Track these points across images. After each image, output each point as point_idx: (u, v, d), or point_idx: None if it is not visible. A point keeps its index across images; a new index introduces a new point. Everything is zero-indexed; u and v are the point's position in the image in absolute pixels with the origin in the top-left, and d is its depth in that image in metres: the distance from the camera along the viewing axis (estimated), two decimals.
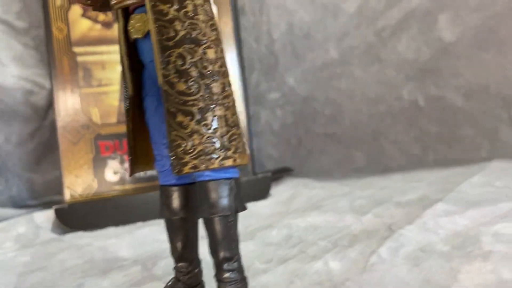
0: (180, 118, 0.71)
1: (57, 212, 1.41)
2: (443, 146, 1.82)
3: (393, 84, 1.89)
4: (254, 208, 1.43)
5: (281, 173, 1.89)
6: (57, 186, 1.71)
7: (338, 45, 1.92)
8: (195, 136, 0.71)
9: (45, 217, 1.47)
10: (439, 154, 1.81)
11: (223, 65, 0.75)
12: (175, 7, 0.73)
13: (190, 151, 0.71)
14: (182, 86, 0.71)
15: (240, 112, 1.73)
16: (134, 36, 0.77)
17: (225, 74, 0.75)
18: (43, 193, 1.84)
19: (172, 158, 0.72)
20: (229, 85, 0.76)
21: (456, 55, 1.82)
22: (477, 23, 1.78)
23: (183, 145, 0.71)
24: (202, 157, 0.71)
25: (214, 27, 0.76)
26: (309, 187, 1.61)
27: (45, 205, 1.71)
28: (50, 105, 1.78)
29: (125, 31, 0.79)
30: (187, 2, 0.74)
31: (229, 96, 0.74)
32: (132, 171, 0.81)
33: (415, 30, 1.85)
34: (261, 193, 1.59)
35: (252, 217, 1.31)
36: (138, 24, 0.76)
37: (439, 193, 1.22)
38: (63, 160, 1.57)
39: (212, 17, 0.76)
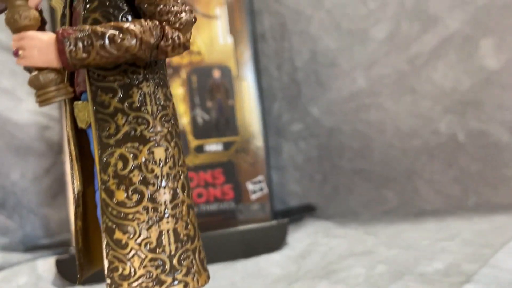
0: (118, 235, 0.60)
1: (58, 264, 1.35)
2: (486, 188, 1.60)
3: (428, 117, 1.70)
4: (265, 263, 1.30)
5: (302, 213, 1.75)
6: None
7: (366, 74, 1.76)
8: (135, 258, 0.60)
9: (49, 265, 1.41)
10: (481, 197, 1.60)
11: (176, 163, 0.64)
12: (119, 96, 0.63)
13: (129, 276, 0.60)
14: (121, 196, 0.60)
15: (259, 144, 1.62)
16: (80, 125, 0.68)
17: (177, 176, 0.64)
18: (58, 231, 1.80)
19: (108, 284, 0.61)
20: (183, 189, 0.64)
21: (501, 85, 1.60)
22: None
23: (121, 269, 0.60)
24: (143, 284, 0.59)
25: (167, 118, 0.65)
26: (330, 235, 1.46)
27: (58, 246, 1.67)
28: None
29: (74, 117, 0.69)
30: (133, 90, 0.63)
31: (182, 203, 0.62)
32: (82, 276, 0.71)
33: (453, 58, 1.66)
34: (277, 243, 1.46)
35: (259, 277, 1.18)
36: (82, 113, 0.67)
37: (472, 262, 1.04)
38: None
39: (166, 105, 0.64)
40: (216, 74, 1.65)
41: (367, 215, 1.71)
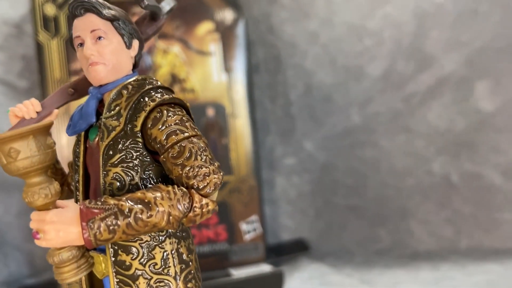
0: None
1: None
2: (478, 231, 1.62)
3: (422, 156, 1.70)
4: None
5: (296, 253, 1.74)
6: None
7: (361, 111, 1.74)
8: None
9: None
10: (473, 240, 1.62)
11: None
12: (140, 257, 0.59)
13: None
14: None
15: (253, 184, 1.59)
16: (94, 272, 0.64)
17: None
18: (43, 268, 1.75)
19: None
20: None
21: (496, 128, 1.61)
22: None
23: None
24: None
25: (191, 275, 0.62)
26: (326, 284, 1.45)
27: (44, 286, 1.61)
28: None
29: None
30: (155, 251, 0.59)
31: None
32: None
33: (448, 98, 1.66)
34: None
35: None
36: (98, 265, 0.63)
37: None
38: None
39: (189, 260, 0.61)
40: (210, 112, 1.61)
41: (362, 257, 1.70)
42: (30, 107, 0.65)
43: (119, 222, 0.54)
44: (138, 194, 0.57)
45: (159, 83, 0.65)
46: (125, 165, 0.60)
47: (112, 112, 0.61)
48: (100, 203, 0.55)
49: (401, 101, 1.70)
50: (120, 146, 0.60)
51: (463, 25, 1.61)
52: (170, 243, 0.60)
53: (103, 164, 0.60)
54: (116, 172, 0.60)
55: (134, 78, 0.64)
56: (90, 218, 0.54)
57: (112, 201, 0.55)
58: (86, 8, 0.62)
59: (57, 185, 0.57)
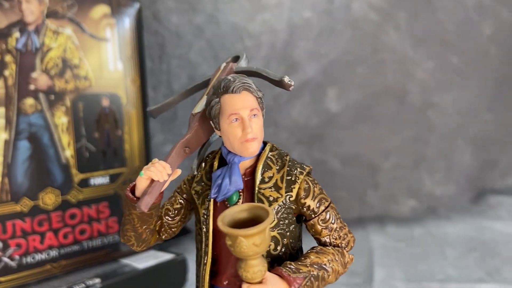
0: None
1: None
2: None
3: (285, 146, 2.00)
4: None
5: (179, 237, 1.84)
6: None
7: None
8: None
9: None
10: None
11: None
12: None
13: None
14: None
15: None
16: None
17: None
18: None
19: None
20: None
21: (339, 125, 2.04)
22: (358, 99, 2.03)
23: None
24: None
25: None
26: None
27: None
28: None
29: None
30: None
31: None
32: None
33: (307, 99, 2.00)
34: (179, 280, 1.54)
35: None
36: None
37: None
38: None
39: None
40: (105, 102, 1.53)
41: None
42: (163, 171, 0.64)
43: (314, 286, 0.65)
44: (314, 259, 0.67)
45: (283, 150, 0.75)
46: (279, 228, 0.69)
47: (268, 183, 0.68)
48: (297, 272, 0.64)
49: (272, 99, 1.96)
50: (278, 214, 0.68)
51: (323, 40, 1.95)
52: None
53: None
54: (274, 236, 0.68)
55: (268, 149, 0.73)
56: (297, 286, 0.64)
57: (305, 269, 0.65)
58: (246, 88, 0.67)
59: (266, 265, 0.63)
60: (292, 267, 0.66)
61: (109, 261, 1.55)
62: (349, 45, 1.97)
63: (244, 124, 0.68)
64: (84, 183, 1.49)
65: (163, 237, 0.78)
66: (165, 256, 1.58)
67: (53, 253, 1.41)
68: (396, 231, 1.87)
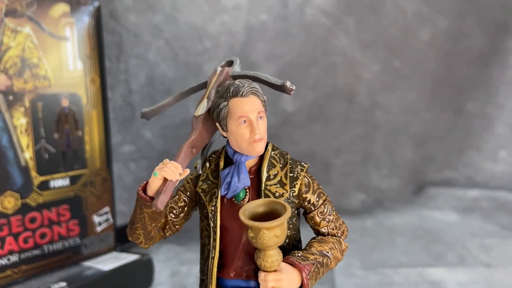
0: None
1: None
2: None
3: None
4: None
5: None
6: None
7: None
8: None
9: None
10: None
11: None
12: None
13: None
14: None
15: (106, 176, 1.55)
16: None
17: None
18: None
19: None
20: None
21: (294, 124, 2.13)
22: (311, 100, 2.13)
23: None
24: None
25: None
26: (185, 262, 1.65)
27: None
28: None
29: None
30: None
31: None
32: None
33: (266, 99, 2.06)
34: (145, 281, 1.54)
35: None
36: None
37: None
38: None
39: None
40: (65, 102, 1.49)
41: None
42: (175, 170, 0.68)
43: (320, 272, 0.71)
44: (318, 247, 0.73)
45: (282, 149, 0.80)
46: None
47: (273, 180, 0.73)
48: (306, 260, 0.70)
49: None
50: None
51: (279, 42, 2.02)
52: None
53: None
54: None
55: (270, 148, 0.78)
56: (307, 272, 0.69)
57: (312, 257, 0.71)
58: (254, 92, 0.73)
59: (281, 256, 0.67)
60: (300, 255, 0.71)
61: (71, 264, 1.52)
62: (303, 48, 2.05)
63: (252, 126, 0.73)
64: (44, 186, 1.44)
65: (167, 234, 0.81)
66: (129, 257, 1.57)
67: (13, 258, 1.37)
68: (349, 223, 1.96)
